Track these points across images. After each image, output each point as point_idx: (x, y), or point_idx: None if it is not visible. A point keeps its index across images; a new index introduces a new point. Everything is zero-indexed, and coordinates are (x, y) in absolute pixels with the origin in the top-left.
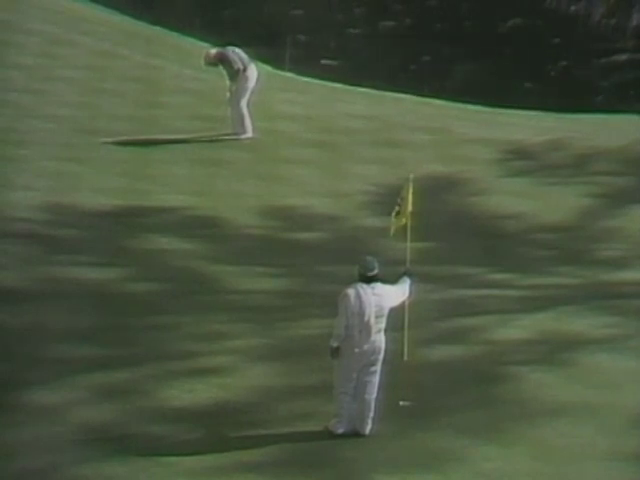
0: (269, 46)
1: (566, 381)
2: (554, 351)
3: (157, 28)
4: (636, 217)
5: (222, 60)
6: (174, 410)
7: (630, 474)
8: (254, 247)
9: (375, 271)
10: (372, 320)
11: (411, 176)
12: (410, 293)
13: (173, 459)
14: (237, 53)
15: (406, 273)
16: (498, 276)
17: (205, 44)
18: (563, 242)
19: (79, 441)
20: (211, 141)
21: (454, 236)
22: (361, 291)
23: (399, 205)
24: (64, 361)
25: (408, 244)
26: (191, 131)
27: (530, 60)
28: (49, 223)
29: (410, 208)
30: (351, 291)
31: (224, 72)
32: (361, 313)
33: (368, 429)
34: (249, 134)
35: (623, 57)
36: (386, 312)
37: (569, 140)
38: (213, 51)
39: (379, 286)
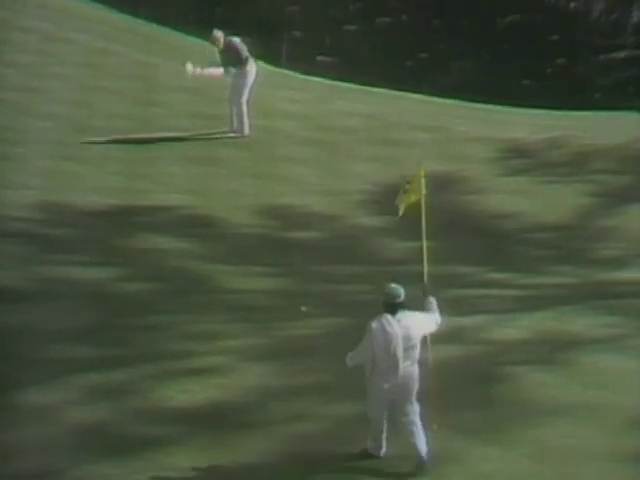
0: (265, 43)
1: (565, 381)
2: (553, 351)
3: (153, 25)
4: (635, 216)
5: (229, 48)
6: (170, 410)
7: (630, 475)
8: (251, 246)
9: (401, 298)
10: (399, 353)
11: (420, 161)
12: (440, 316)
13: (169, 459)
14: (242, 43)
15: (425, 292)
16: (497, 275)
17: (201, 41)
18: (562, 241)
19: (74, 442)
20: (208, 139)
21: (452, 235)
22: (386, 325)
23: (408, 183)
24: (59, 361)
25: (423, 230)
26: (188, 129)
27: (529, 57)
28: (45, 222)
29: (424, 191)
30: (376, 325)
31: (219, 59)
32: (387, 347)
33: (425, 451)
34: (246, 132)
35: (622, 54)
36: (416, 342)
37: (568, 138)
38: (220, 35)
39: (406, 315)
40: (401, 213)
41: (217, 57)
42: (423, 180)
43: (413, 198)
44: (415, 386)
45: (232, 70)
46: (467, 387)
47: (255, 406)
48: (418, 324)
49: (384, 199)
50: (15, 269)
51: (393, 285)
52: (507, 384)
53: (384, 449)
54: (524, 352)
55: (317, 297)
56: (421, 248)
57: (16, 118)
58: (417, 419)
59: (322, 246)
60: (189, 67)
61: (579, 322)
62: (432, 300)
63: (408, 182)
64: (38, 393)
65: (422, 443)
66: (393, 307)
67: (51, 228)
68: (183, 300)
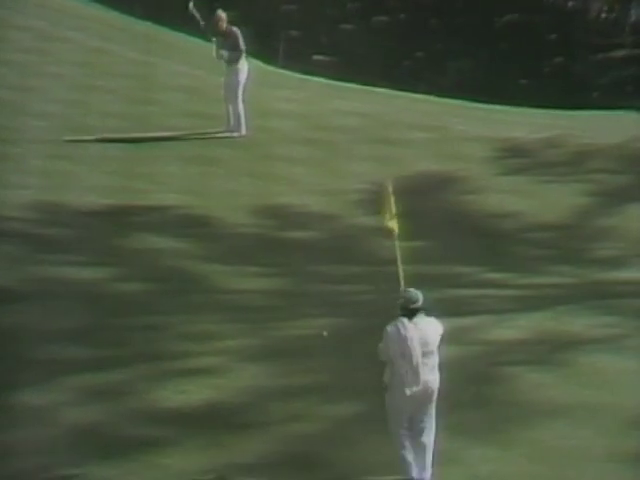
0: (262, 42)
1: (564, 381)
2: (551, 351)
3: (149, 24)
4: (633, 215)
5: (229, 34)
6: (166, 411)
7: (629, 475)
8: (247, 246)
9: (419, 303)
10: (418, 359)
11: (389, 181)
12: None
13: (165, 461)
14: (242, 36)
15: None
16: (494, 275)
17: (197, 40)
18: (560, 241)
19: (70, 443)
20: (205, 139)
21: (450, 235)
22: (401, 328)
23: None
24: (55, 362)
25: (398, 256)
26: (184, 128)
27: (526, 56)
28: (40, 222)
29: (394, 210)
30: (391, 329)
31: (215, 42)
32: (402, 352)
33: (429, 475)
34: (243, 131)
35: (620, 53)
36: (434, 348)
37: (566, 137)
38: (224, 17)
39: (423, 320)
40: (396, 232)
41: (214, 40)
42: (392, 199)
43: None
44: (434, 396)
45: (224, 54)
46: (465, 387)
47: (252, 406)
48: (435, 329)
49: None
50: (11, 269)
51: (411, 289)
52: (505, 384)
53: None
54: (522, 352)
55: (314, 297)
56: (417, 250)
57: (12, 117)
58: (431, 440)
59: (320, 246)
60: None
61: (577, 322)
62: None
63: (383, 203)
64: (34, 394)
65: (430, 463)
66: (410, 312)
67: (47, 228)
68: (179, 300)
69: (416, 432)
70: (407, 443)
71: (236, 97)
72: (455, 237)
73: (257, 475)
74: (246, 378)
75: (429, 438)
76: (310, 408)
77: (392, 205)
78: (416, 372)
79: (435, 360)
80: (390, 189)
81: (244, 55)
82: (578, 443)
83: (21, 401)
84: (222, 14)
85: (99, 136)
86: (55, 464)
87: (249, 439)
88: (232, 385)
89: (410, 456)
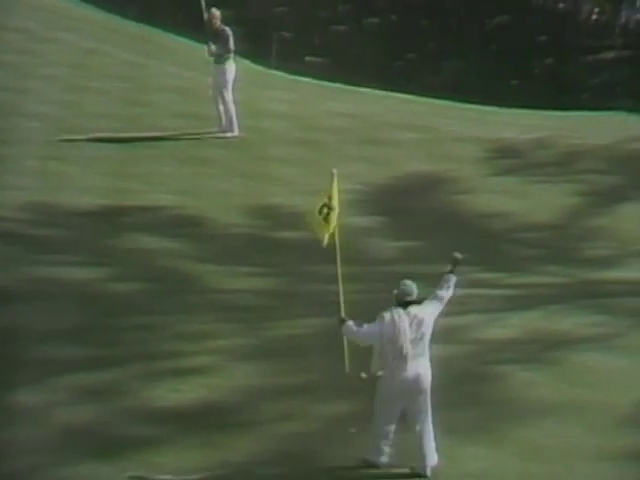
0: (254, 43)
1: (554, 380)
2: (542, 350)
3: (141, 25)
4: (623, 215)
5: (221, 33)
6: (160, 410)
7: (618, 473)
8: (240, 246)
9: (414, 296)
10: (407, 346)
11: (334, 171)
12: (453, 289)
13: (159, 459)
14: (233, 38)
15: (453, 268)
16: (486, 275)
17: (189, 41)
18: (551, 241)
19: (64, 442)
20: (197, 139)
21: (441, 234)
22: (396, 317)
23: (327, 206)
24: (49, 362)
25: (338, 257)
26: (177, 129)
27: (517, 57)
28: (33, 222)
29: (337, 208)
30: (387, 316)
31: (207, 35)
32: (394, 339)
33: (434, 461)
34: (236, 132)
35: (610, 55)
36: (426, 332)
37: (556, 138)
38: (218, 15)
39: (415, 308)
40: (326, 242)
41: (207, 31)
42: (336, 193)
43: (333, 219)
44: (427, 385)
45: (212, 47)
46: (456, 386)
47: (245, 406)
48: (427, 311)
49: (373, 199)
50: (5, 269)
51: (408, 282)
52: (496, 383)
53: (386, 459)
54: (513, 351)
55: (307, 297)
56: (408, 250)
57: (5, 118)
58: (428, 428)
59: (311, 246)
60: None
61: (568, 321)
62: (453, 278)
63: (326, 204)
64: (28, 393)
65: (433, 449)
66: (405, 304)
67: (41, 228)
68: (173, 300)
69: (412, 422)
70: (392, 435)
71: (223, 97)
72: (447, 237)
73: (251, 474)
74: (239, 377)
75: (425, 426)
76: (303, 407)
77: (335, 201)
78: (404, 359)
79: (426, 348)
80: (335, 184)
81: (232, 56)
82: (568, 441)
83: (15, 401)
84: (216, 12)
85: (92, 136)
86: (49, 463)
87: (242, 438)
88: (225, 384)
89: (387, 448)
